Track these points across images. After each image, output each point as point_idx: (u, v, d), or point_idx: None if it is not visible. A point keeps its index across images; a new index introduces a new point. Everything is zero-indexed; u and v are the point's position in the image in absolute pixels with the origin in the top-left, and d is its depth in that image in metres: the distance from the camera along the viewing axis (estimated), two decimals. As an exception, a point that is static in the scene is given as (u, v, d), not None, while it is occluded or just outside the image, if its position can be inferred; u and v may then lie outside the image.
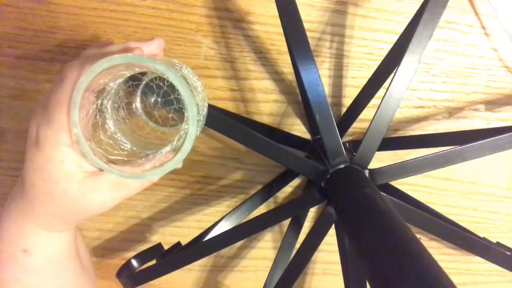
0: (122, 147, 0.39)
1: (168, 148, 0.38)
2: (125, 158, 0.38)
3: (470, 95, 0.64)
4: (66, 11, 0.55)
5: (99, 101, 0.37)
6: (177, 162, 0.35)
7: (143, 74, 0.43)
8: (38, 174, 0.38)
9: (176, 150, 0.35)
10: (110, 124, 0.39)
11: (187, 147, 0.34)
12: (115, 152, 0.38)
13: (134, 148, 0.40)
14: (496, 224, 0.70)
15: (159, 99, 0.44)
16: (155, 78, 0.43)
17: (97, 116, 0.37)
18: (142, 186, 0.42)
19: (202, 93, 0.41)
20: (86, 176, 0.38)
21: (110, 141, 0.38)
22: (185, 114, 0.33)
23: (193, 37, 0.58)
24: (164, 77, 0.33)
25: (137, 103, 0.45)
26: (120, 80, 0.39)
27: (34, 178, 0.39)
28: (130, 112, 0.43)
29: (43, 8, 0.55)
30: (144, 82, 0.44)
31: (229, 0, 0.57)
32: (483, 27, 0.62)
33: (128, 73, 0.38)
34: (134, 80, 0.42)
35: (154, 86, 0.43)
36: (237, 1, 0.57)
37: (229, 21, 0.58)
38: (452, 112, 0.64)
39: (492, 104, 0.64)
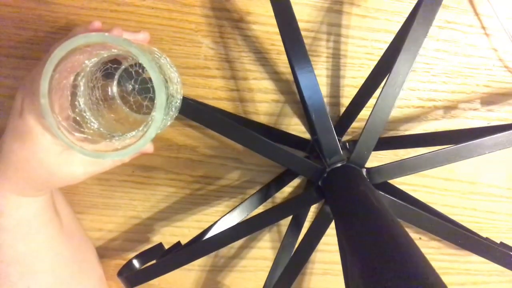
0: (89, 125, 0.40)
1: (133, 133, 0.39)
2: (90, 137, 0.38)
3: (470, 95, 0.64)
4: (66, 11, 0.56)
5: (72, 77, 0.38)
6: (139, 147, 0.35)
7: (124, 59, 0.44)
8: (17, 142, 0.41)
9: (141, 136, 0.35)
10: (80, 101, 0.40)
11: (151, 133, 0.34)
12: (81, 129, 0.38)
13: (101, 129, 0.40)
14: (496, 224, 0.70)
15: (136, 86, 0.45)
16: (135, 64, 0.44)
17: (68, 92, 0.38)
18: (113, 164, 0.46)
19: (177, 84, 0.42)
20: (63, 150, 0.41)
21: (77, 118, 0.39)
22: (155, 101, 0.34)
23: (193, 37, 0.58)
24: (140, 62, 0.33)
25: (114, 87, 0.45)
26: (97, 59, 0.39)
27: (13, 145, 0.41)
28: (105, 94, 0.44)
29: (43, 8, 0.55)
30: (123, 67, 0.44)
31: (229, 0, 0.57)
32: (483, 27, 0.61)
33: (105, 54, 0.39)
34: (113, 63, 0.43)
35: (133, 72, 0.44)
36: (237, 1, 0.58)
37: (229, 21, 0.58)
38: (452, 112, 0.64)
39: (492, 104, 0.64)
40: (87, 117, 0.40)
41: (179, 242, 0.59)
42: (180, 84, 0.43)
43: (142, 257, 0.57)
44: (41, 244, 0.49)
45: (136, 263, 0.56)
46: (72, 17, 0.56)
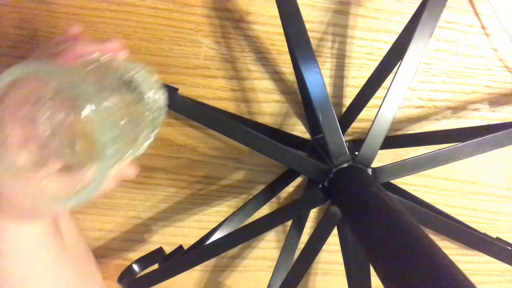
0: (56, 158, 0.34)
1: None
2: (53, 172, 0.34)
3: (470, 95, 0.64)
4: (66, 11, 0.55)
5: (32, 106, 0.32)
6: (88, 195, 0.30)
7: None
8: None
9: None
10: (43, 131, 0.34)
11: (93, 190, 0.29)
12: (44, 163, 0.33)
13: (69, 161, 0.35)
14: (496, 224, 0.71)
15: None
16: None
17: (30, 123, 0.33)
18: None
19: (158, 111, 0.39)
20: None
21: (43, 150, 0.34)
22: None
23: (193, 37, 0.58)
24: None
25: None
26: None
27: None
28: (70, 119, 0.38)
29: (43, 8, 0.55)
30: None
31: (229, 0, 0.57)
32: (483, 27, 0.62)
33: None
34: None
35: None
36: (237, 1, 0.57)
37: (229, 21, 0.58)
38: (452, 112, 0.64)
39: (492, 104, 0.65)
40: (53, 147, 0.34)
41: (181, 246, 0.59)
42: (162, 101, 0.40)
43: (142, 261, 0.57)
44: (43, 267, 0.49)
45: (136, 268, 0.56)
46: (72, 17, 0.55)
